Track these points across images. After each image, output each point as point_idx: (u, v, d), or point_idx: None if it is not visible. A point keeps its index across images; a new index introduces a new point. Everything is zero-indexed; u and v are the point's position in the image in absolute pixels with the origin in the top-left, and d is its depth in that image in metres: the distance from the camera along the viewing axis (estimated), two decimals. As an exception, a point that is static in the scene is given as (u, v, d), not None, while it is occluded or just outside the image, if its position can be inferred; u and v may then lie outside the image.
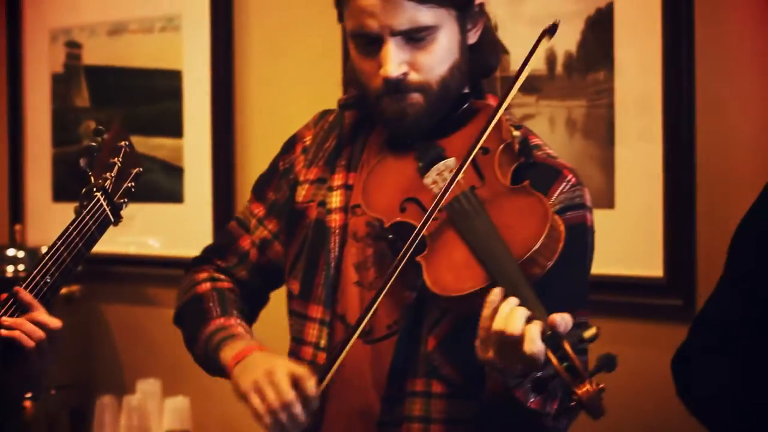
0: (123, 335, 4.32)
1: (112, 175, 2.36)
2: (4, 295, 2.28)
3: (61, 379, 4.16)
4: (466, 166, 2.02)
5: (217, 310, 2.29)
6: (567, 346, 1.77)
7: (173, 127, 4.09)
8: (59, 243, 2.29)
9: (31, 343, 2.22)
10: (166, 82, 4.11)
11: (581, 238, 2.10)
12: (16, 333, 2.21)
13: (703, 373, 2.26)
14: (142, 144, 4.10)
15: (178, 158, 4.09)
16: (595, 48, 3.15)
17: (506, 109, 2.07)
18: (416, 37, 2.06)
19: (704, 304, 2.34)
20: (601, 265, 3.03)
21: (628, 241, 3.11)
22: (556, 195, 2.07)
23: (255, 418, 2.02)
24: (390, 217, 2.07)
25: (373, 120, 2.22)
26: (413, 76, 2.08)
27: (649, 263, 3.07)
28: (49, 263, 2.27)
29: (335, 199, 2.20)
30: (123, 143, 2.41)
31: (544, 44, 2.06)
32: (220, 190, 3.97)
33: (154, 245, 4.19)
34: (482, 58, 2.20)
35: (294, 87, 3.80)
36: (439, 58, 2.08)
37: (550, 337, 1.78)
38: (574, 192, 2.09)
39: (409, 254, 1.98)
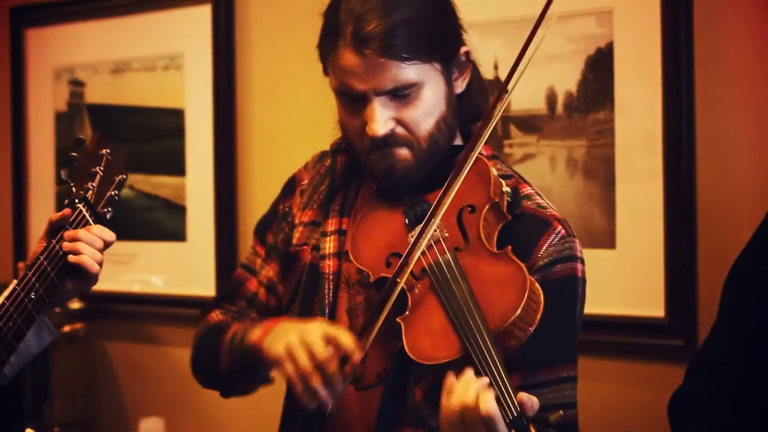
0: (126, 373, 4.31)
1: (94, 184, 2.30)
2: (68, 211, 2.27)
3: (65, 418, 4.16)
4: (431, 230, 1.99)
5: (236, 322, 2.26)
6: (533, 430, 1.76)
7: (176, 166, 4.09)
8: (42, 257, 2.23)
9: (96, 269, 2.23)
10: (169, 121, 4.12)
11: (570, 291, 2.07)
12: (83, 258, 2.20)
13: (698, 416, 2.25)
14: (145, 182, 4.11)
15: (181, 197, 4.09)
16: (596, 87, 3.15)
17: (500, 155, 2.04)
18: (401, 94, 2.04)
19: (701, 346, 2.34)
20: (602, 306, 3.07)
21: (629, 281, 3.09)
22: (545, 247, 2.05)
23: (292, 386, 1.97)
24: (376, 271, 2.06)
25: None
26: (399, 130, 2.06)
27: (651, 303, 3.06)
28: (33, 278, 2.22)
29: (329, 245, 2.19)
30: (104, 151, 2.34)
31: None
32: (222, 228, 3.97)
33: (157, 283, 4.18)
34: (472, 103, 2.18)
35: (296, 125, 3.81)
36: (424, 112, 2.06)
37: (517, 420, 1.77)
38: (564, 244, 2.06)
39: (383, 317, 1.97)
